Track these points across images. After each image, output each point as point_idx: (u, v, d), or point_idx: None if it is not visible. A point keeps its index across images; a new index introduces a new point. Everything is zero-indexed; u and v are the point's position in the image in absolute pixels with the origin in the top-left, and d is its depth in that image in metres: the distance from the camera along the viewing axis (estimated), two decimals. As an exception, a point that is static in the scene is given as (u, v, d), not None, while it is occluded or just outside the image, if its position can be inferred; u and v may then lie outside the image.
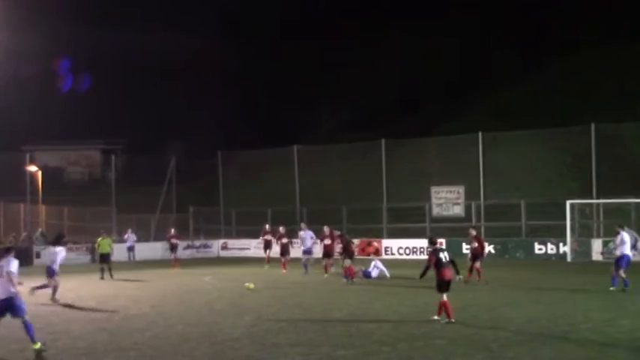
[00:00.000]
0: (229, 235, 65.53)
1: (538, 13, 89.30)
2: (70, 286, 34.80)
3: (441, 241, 53.40)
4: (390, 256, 54.92)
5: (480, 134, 57.23)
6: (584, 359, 16.77)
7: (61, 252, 30.55)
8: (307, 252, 40.71)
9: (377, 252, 55.23)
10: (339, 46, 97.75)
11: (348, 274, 34.66)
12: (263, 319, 23.25)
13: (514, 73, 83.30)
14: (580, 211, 50.85)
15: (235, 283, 35.25)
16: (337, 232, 37.94)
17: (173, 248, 49.07)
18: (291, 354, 17.58)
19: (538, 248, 50.77)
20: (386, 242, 56.57)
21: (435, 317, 21.86)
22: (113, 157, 72.74)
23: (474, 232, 34.80)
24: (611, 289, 28.67)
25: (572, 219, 49.59)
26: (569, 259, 48.68)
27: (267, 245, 46.22)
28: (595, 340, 18.90)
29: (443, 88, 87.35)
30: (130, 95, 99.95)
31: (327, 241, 37.66)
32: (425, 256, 53.32)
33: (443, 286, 21.87)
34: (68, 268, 48.77)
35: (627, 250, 29.03)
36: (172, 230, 50.99)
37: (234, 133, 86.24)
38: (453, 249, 48.60)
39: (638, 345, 18.26)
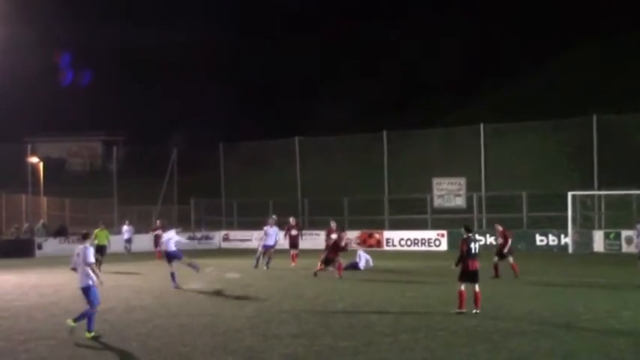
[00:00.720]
0: (231, 227, 65.59)
1: (541, 6, 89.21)
2: (70, 278, 34.86)
3: (443, 233, 53.94)
4: (391, 248, 55.01)
5: (482, 126, 57.25)
6: (585, 350, 16.80)
7: (174, 236, 31.96)
8: (267, 247, 39.89)
9: (378, 243, 55.38)
10: (341, 39, 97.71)
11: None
12: (265, 310, 23.30)
13: (516, 66, 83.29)
14: (581, 203, 50.92)
15: (237, 274, 35.29)
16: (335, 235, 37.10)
17: (157, 242, 47.98)
18: (293, 345, 17.62)
19: (539, 240, 50.82)
20: (387, 234, 56.61)
21: (476, 311, 21.62)
22: (115, 148, 72.71)
23: (500, 228, 34.20)
24: None
25: (573, 210, 49.66)
26: (570, 250, 48.77)
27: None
28: (596, 331, 18.95)
29: (445, 80, 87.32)
30: (132, 87, 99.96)
31: (334, 236, 37.05)
32: (426, 247, 53.86)
33: (466, 276, 21.79)
34: (63, 259, 49.05)
35: None
36: (157, 222, 50.30)
37: (236, 125, 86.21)
38: (455, 240, 48.85)
39: (639, 336, 18.29)
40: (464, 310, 21.52)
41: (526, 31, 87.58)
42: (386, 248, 55.18)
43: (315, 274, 33.55)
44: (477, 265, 21.92)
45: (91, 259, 19.35)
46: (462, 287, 21.79)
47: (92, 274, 19.37)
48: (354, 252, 39.65)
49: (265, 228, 40.41)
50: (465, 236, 22.37)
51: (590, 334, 18.69)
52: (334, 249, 34.40)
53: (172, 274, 30.80)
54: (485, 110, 69.00)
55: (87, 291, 19.40)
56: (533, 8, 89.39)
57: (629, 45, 77.82)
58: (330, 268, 33.72)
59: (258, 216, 53.72)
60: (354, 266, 37.29)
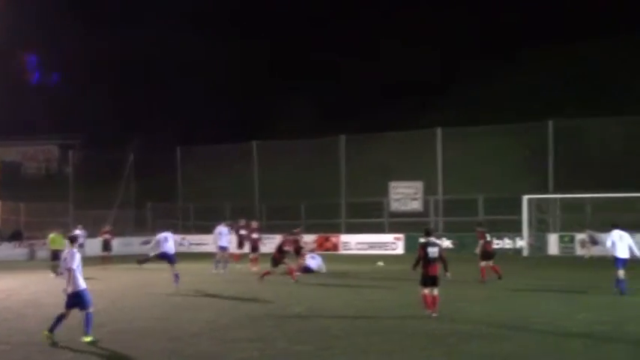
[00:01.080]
0: (188, 231, 65.32)
1: (500, 11, 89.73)
2: (23, 284, 34.61)
3: (400, 236, 54.09)
4: (348, 251, 55.13)
5: (439, 130, 57.61)
6: (541, 352, 16.90)
7: (168, 238, 32.34)
8: (222, 248, 39.80)
9: (335, 247, 55.50)
10: (301, 41, 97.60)
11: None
12: (221, 314, 23.23)
13: (473, 71, 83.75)
14: (537, 206, 51.40)
15: (193, 278, 35.15)
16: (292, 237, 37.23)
17: (106, 245, 47.26)
18: (249, 349, 17.57)
19: (495, 243, 51.05)
20: (344, 237, 56.74)
21: (433, 314, 21.60)
22: (71, 152, 72.21)
23: (480, 229, 34.02)
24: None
25: (528, 214, 50.07)
26: (525, 253, 49.15)
27: (242, 241, 42.83)
28: (552, 334, 19.05)
29: (404, 84, 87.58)
30: (89, 90, 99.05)
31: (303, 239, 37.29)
32: (383, 251, 54.04)
33: (425, 280, 21.71)
34: (17, 264, 48.63)
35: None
36: (107, 226, 49.55)
37: (194, 128, 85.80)
38: (411, 244, 49.16)
39: (594, 338, 18.43)
40: (433, 312, 21.53)
41: (485, 36, 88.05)
42: (342, 252, 55.34)
43: (262, 277, 33.60)
44: (436, 269, 21.81)
45: (71, 264, 18.93)
46: (425, 291, 21.77)
47: (79, 278, 19.02)
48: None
49: (218, 227, 40.28)
50: (423, 241, 22.33)
51: (546, 336, 18.80)
52: (280, 250, 34.52)
53: (176, 275, 31.27)
54: (442, 114, 69.36)
55: (79, 295, 19.00)
56: (494, 13, 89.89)
57: (586, 51, 78.60)
58: (287, 268, 33.83)
59: (215, 220, 53.53)
60: (307, 269, 37.25)
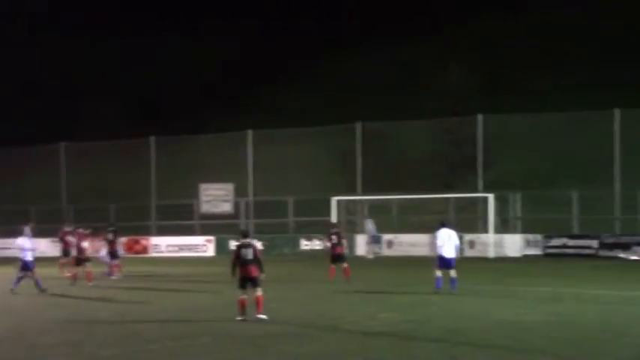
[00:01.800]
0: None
1: (308, 14, 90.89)
2: None
3: (210, 238, 53.95)
4: (158, 254, 54.69)
5: (250, 132, 57.91)
6: (346, 352, 17.19)
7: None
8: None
9: (145, 250, 54.98)
10: (111, 41, 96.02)
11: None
12: (27, 319, 22.67)
13: (284, 74, 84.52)
14: (346, 208, 52.31)
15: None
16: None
17: None
18: (55, 355, 17.21)
19: (304, 244, 51.86)
20: (154, 240, 56.25)
21: (238, 318, 21.38)
22: None
23: (332, 230, 34.40)
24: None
25: (337, 215, 50.90)
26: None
27: (67, 249, 39.13)
28: (358, 333, 19.46)
29: (215, 86, 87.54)
30: None
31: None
32: (193, 253, 53.94)
33: (243, 283, 21.54)
34: None
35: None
36: None
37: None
38: (222, 246, 49.27)
39: (399, 336, 18.90)
40: (245, 318, 21.31)
41: (296, 38, 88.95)
42: (153, 254, 54.84)
43: (74, 281, 33.07)
44: (254, 270, 21.60)
45: None
46: (243, 295, 21.54)
47: None
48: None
49: (25, 228, 39.12)
50: (238, 243, 22.28)
51: (353, 336, 19.19)
52: (79, 249, 34.28)
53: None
54: (254, 117, 69.65)
55: None
56: (303, 18, 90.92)
57: (393, 56, 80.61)
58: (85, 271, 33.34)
59: (20, 223, 51.89)
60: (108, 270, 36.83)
